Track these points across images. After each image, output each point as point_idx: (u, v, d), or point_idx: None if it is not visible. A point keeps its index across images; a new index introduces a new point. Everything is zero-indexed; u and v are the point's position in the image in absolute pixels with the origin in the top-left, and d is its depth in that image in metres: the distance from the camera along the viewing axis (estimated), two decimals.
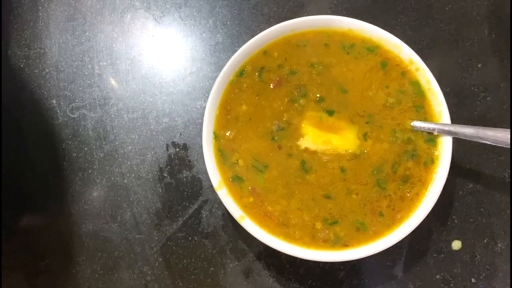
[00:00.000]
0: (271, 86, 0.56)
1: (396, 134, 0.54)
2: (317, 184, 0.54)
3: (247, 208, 0.53)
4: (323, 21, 0.56)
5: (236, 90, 0.56)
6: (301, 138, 0.54)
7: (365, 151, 0.54)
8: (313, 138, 0.54)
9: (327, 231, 0.53)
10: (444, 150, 0.53)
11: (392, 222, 0.53)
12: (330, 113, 0.55)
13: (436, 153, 0.54)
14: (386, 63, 0.56)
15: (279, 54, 0.56)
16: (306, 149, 0.54)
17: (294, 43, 0.56)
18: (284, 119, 0.55)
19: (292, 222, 0.53)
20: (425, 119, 0.54)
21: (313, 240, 0.52)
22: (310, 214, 0.53)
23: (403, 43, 0.55)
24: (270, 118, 0.55)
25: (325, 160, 0.54)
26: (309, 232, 0.53)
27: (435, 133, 0.53)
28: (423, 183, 0.53)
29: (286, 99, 0.55)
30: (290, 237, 0.53)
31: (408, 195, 0.53)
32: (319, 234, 0.53)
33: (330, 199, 0.53)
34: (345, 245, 0.52)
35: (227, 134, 0.55)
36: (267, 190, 0.54)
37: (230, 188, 0.54)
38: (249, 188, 0.54)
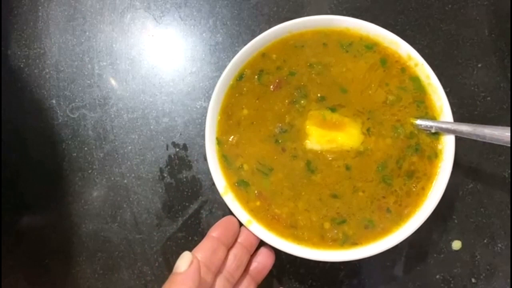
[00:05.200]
0: (271, 89, 0.56)
1: (398, 130, 0.54)
2: (323, 184, 0.53)
3: (254, 212, 0.53)
4: (320, 21, 0.56)
5: (236, 95, 0.55)
6: (305, 140, 0.54)
7: (369, 147, 0.54)
8: (317, 138, 0.54)
9: (335, 231, 0.53)
10: (447, 143, 0.53)
11: (400, 218, 0.53)
12: (333, 109, 0.55)
13: (440, 146, 0.54)
14: (386, 60, 0.56)
15: (278, 56, 0.56)
16: (311, 150, 0.54)
17: (292, 44, 0.56)
18: (286, 121, 0.55)
19: (300, 224, 0.53)
20: (426, 114, 0.55)
21: (322, 241, 0.52)
22: (318, 214, 0.53)
23: (400, 39, 0.55)
24: (272, 121, 0.55)
25: (330, 159, 0.54)
26: (318, 233, 0.53)
27: (433, 131, 0.53)
28: (428, 177, 0.53)
29: (286, 101, 0.55)
30: (299, 239, 0.53)
31: (414, 189, 0.53)
32: (328, 234, 0.53)
33: (337, 198, 0.53)
34: (354, 243, 0.52)
35: (230, 139, 0.55)
36: (273, 193, 0.54)
37: (236, 193, 0.54)
38: (255, 192, 0.54)
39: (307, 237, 0.52)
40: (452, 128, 0.52)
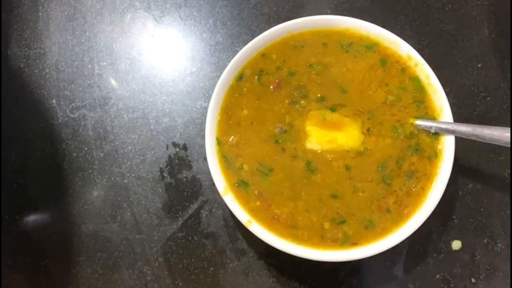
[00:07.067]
0: (271, 89, 0.56)
1: (398, 130, 0.54)
2: (323, 184, 0.53)
3: (254, 212, 0.53)
4: (320, 21, 0.56)
5: (236, 95, 0.55)
6: (305, 140, 0.54)
7: (369, 147, 0.54)
8: (317, 138, 0.54)
9: (335, 231, 0.52)
10: (447, 143, 0.53)
11: (399, 218, 0.53)
12: (333, 109, 0.55)
13: (440, 147, 0.54)
14: (386, 60, 0.56)
15: (278, 56, 0.56)
16: (311, 150, 0.54)
17: (292, 44, 0.56)
18: (286, 121, 0.55)
19: (300, 224, 0.53)
20: (426, 114, 0.55)
21: (322, 241, 0.52)
22: (317, 214, 0.53)
23: (400, 39, 0.55)
24: (272, 121, 0.55)
25: (329, 159, 0.54)
26: (318, 233, 0.53)
27: (433, 131, 0.53)
28: (428, 177, 0.53)
29: (286, 101, 0.55)
30: (299, 239, 0.52)
31: (414, 189, 0.53)
32: (327, 234, 0.52)
33: (337, 199, 0.53)
34: (354, 243, 0.52)
35: (230, 139, 0.55)
36: (273, 193, 0.54)
37: (236, 193, 0.54)
38: (255, 192, 0.54)
39: (307, 237, 0.52)
40: (452, 128, 0.52)
